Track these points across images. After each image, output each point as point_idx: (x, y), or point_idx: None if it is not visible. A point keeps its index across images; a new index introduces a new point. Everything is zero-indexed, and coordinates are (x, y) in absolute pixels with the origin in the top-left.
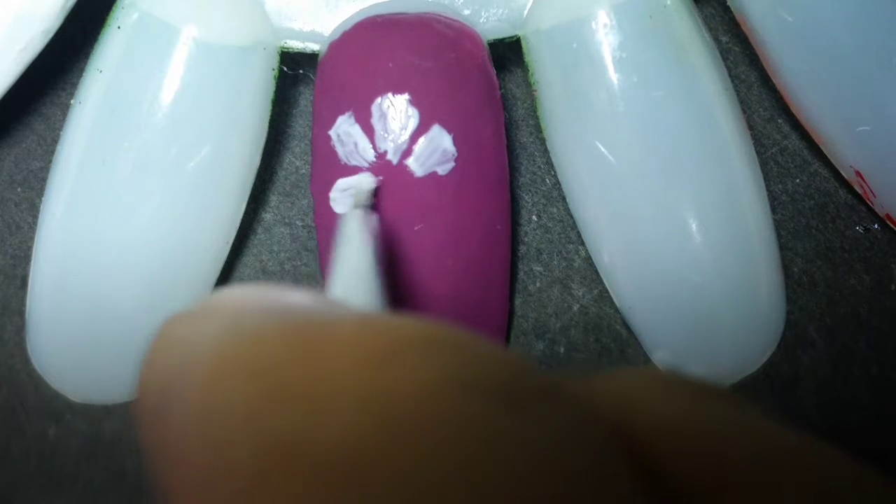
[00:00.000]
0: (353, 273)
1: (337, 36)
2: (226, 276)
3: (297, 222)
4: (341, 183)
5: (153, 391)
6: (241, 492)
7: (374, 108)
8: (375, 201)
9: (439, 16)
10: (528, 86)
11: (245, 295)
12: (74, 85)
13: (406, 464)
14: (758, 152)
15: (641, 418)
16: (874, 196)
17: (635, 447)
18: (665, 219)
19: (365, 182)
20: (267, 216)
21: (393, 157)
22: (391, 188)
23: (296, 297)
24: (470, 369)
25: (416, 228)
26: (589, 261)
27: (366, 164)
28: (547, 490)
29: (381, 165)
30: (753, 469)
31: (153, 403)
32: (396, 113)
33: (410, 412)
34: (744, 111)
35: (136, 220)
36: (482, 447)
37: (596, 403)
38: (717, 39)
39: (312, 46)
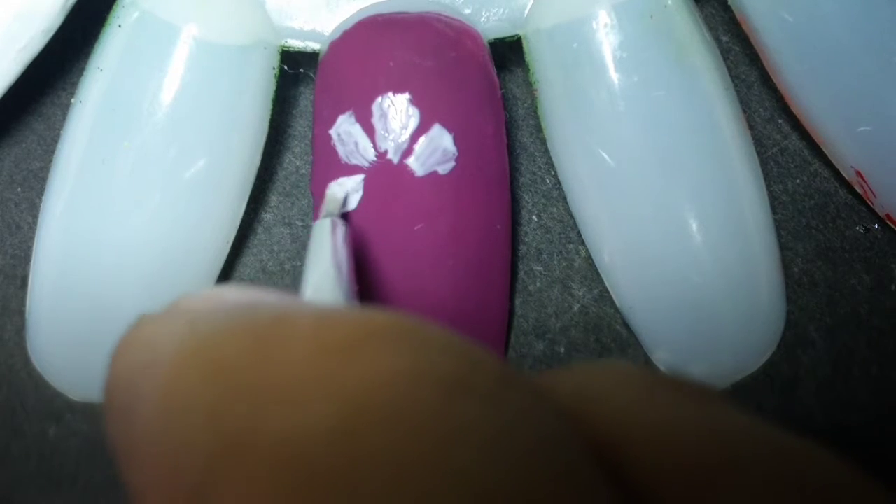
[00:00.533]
0: (321, 282)
1: (337, 35)
2: (226, 276)
3: (297, 222)
4: (341, 182)
5: (119, 390)
6: (196, 486)
7: (375, 108)
8: (346, 210)
9: (440, 15)
10: (529, 86)
11: (210, 296)
12: (75, 84)
13: (359, 452)
14: (758, 152)
15: (598, 408)
16: (874, 196)
17: (592, 436)
18: (665, 218)
19: (336, 191)
20: (267, 216)
21: (393, 157)
22: (391, 188)
23: (260, 296)
24: (425, 358)
25: (416, 228)
26: (589, 261)
27: (366, 164)
28: (503, 473)
29: (381, 165)
30: (706, 459)
31: (118, 402)
32: (397, 112)
33: (366, 402)
34: (744, 111)
35: (136, 220)
36: (439, 436)
37: (554, 394)
38: (717, 39)
39: (313, 46)
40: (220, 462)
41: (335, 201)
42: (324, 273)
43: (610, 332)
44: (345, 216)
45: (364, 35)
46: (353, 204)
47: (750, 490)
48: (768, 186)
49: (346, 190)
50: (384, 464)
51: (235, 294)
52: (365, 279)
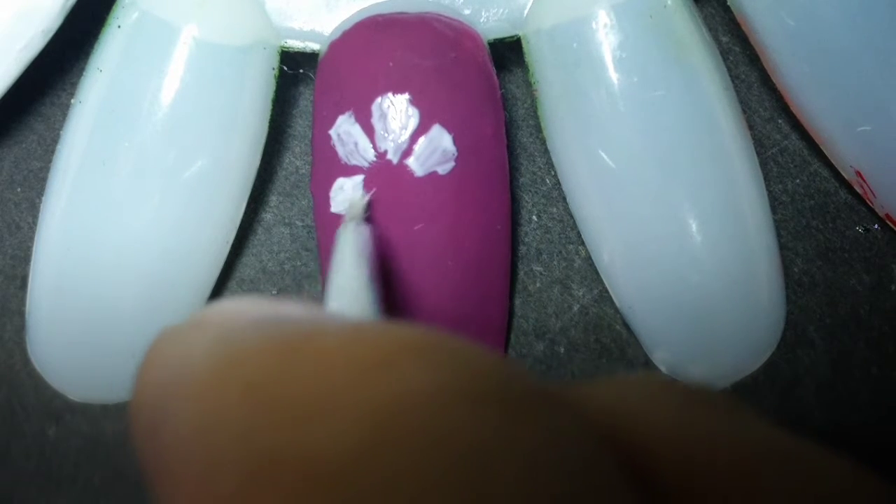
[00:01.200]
0: (347, 287)
1: (337, 35)
2: (226, 276)
3: (297, 222)
4: (341, 183)
5: (147, 406)
6: (230, 501)
7: (375, 108)
8: (370, 212)
9: (440, 15)
10: (528, 86)
11: (236, 308)
12: (74, 85)
13: (394, 471)
14: (758, 152)
15: (631, 424)
16: (874, 196)
17: (626, 453)
18: (665, 218)
19: (359, 196)
20: (267, 216)
21: (393, 157)
22: (391, 188)
23: (286, 309)
24: (460, 376)
25: (416, 228)
26: (589, 261)
27: (366, 164)
28: (538, 494)
29: (381, 165)
30: (743, 474)
31: (147, 418)
32: (397, 112)
33: (400, 419)
34: (744, 111)
35: (136, 220)
36: (471, 453)
37: (586, 409)
38: (717, 39)
39: (313, 46)
40: (254, 479)
41: (358, 206)
42: (348, 280)
43: (610, 332)
44: (368, 220)
45: (364, 35)
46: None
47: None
48: (768, 186)
49: (368, 195)
50: (417, 482)
51: (259, 307)
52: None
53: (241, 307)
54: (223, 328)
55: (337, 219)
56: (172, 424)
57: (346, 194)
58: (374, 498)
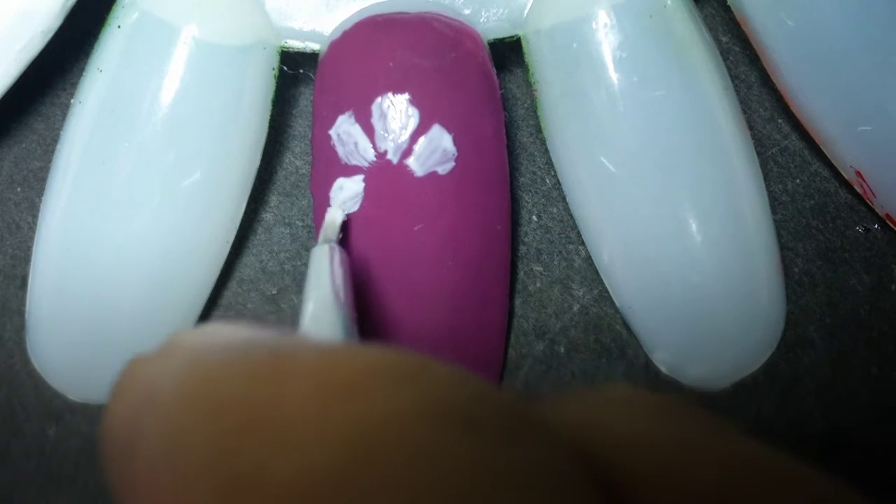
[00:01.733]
0: (320, 310)
1: (337, 35)
2: (226, 276)
3: (297, 222)
4: (341, 183)
5: (118, 430)
6: None
7: (375, 108)
8: (343, 236)
9: (439, 15)
10: (528, 86)
11: (207, 333)
12: (74, 85)
13: (363, 493)
14: (758, 152)
15: (603, 438)
16: (874, 196)
17: (596, 466)
18: (665, 218)
19: (335, 217)
20: (267, 216)
21: (393, 157)
22: (391, 188)
23: (258, 335)
24: (430, 395)
25: (415, 228)
26: (589, 261)
27: (366, 164)
28: None
29: (381, 165)
30: (712, 487)
31: (118, 441)
32: (397, 112)
33: (370, 440)
34: (744, 111)
35: (136, 220)
36: (444, 472)
37: (558, 424)
38: (717, 39)
39: (313, 46)
40: (225, 501)
41: (333, 227)
42: (322, 302)
43: (610, 332)
44: (346, 238)
45: (364, 35)
46: (354, 206)
47: None
48: (768, 186)
49: (346, 212)
50: (388, 503)
51: (230, 331)
52: (364, 286)
53: (212, 332)
54: (193, 353)
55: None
56: (143, 448)
57: (347, 194)
58: None
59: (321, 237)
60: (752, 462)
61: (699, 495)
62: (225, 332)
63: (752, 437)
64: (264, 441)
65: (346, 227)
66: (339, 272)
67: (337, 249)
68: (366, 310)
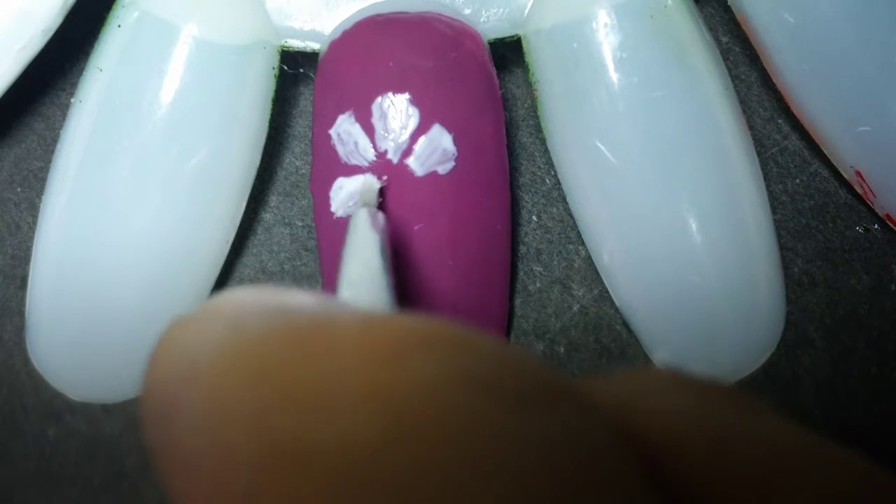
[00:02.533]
0: (362, 273)
1: (337, 35)
2: (226, 276)
3: (297, 222)
4: (341, 183)
5: (157, 395)
6: (243, 494)
7: (375, 108)
8: (382, 201)
9: (440, 15)
10: (529, 86)
11: (246, 297)
12: (74, 84)
13: (411, 464)
14: (758, 152)
15: (646, 417)
16: (874, 196)
17: (640, 446)
18: (665, 219)
19: (371, 182)
20: (267, 216)
21: (393, 157)
22: (391, 188)
23: (297, 298)
24: (474, 366)
25: (416, 228)
26: (589, 261)
27: (366, 164)
28: (553, 487)
29: (381, 165)
30: (760, 468)
31: (158, 407)
32: (397, 112)
33: (414, 411)
34: (744, 111)
35: (136, 220)
36: (488, 445)
37: (600, 401)
38: (717, 39)
39: (313, 45)
40: (267, 471)
41: (371, 192)
42: (363, 267)
43: (610, 332)
44: (381, 207)
45: (364, 35)
46: (355, 207)
47: (802, 501)
48: (768, 186)
49: (380, 181)
50: (431, 475)
51: (269, 296)
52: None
53: (251, 296)
54: (233, 317)
55: (337, 218)
56: (183, 414)
57: (347, 194)
58: (390, 492)
59: (360, 202)
60: (799, 447)
61: (747, 478)
62: (265, 296)
63: (794, 421)
64: (308, 410)
65: (381, 195)
66: (379, 236)
67: (378, 214)
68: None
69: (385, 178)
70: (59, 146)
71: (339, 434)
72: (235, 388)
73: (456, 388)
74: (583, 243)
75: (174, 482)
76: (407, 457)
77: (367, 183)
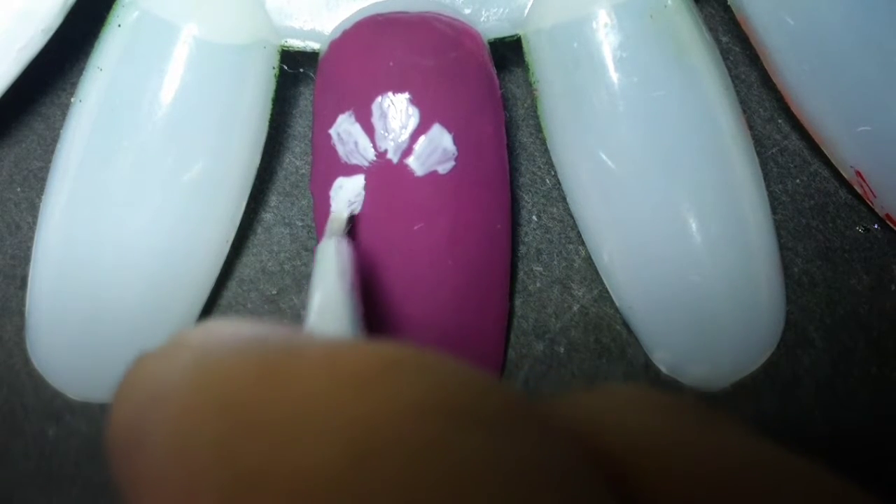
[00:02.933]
0: (327, 305)
1: (337, 35)
2: (226, 276)
3: (297, 222)
4: (341, 182)
5: (124, 427)
6: None
7: (375, 107)
8: (353, 225)
9: (440, 15)
10: (528, 86)
11: (214, 330)
12: (74, 84)
13: (375, 490)
14: (758, 152)
15: (611, 436)
16: (874, 196)
17: (606, 465)
18: (665, 218)
19: (341, 212)
20: (267, 216)
21: (393, 156)
22: (391, 187)
23: (265, 330)
24: (439, 391)
25: (415, 228)
26: (589, 261)
27: (366, 163)
28: None
29: (381, 164)
30: (724, 485)
31: (125, 439)
32: (397, 112)
33: (378, 435)
34: (744, 111)
35: (136, 220)
36: (454, 469)
37: (565, 421)
38: (717, 39)
39: (313, 45)
40: (234, 497)
41: (339, 222)
42: (329, 296)
43: (610, 333)
44: (350, 234)
45: (364, 34)
46: (356, 207)
47: None
48: (768, 186)
49: (351, 209)
50: (396, 500)
51: (235, 328)
52: (364, 284)
53: (217, 329)
54: (201, 350)
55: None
56: (150, 445)
57: (346, 194)
58: None
59: (327, 232)
60: (758, 460)
61: (705, 490)
62: (230, 329)
63: (760, 435)
64: (273, 437)
65: (350, 223)
66: (347, 267)
67: (344, 244)
68: (367, 308)
69: (352, 210)
70: (58, 146)
71: (306, 461)
72: (201, 415)
73: (421, 413)
74: (583, 243)
75: None
76: (371, 481)
77: (335, 213)
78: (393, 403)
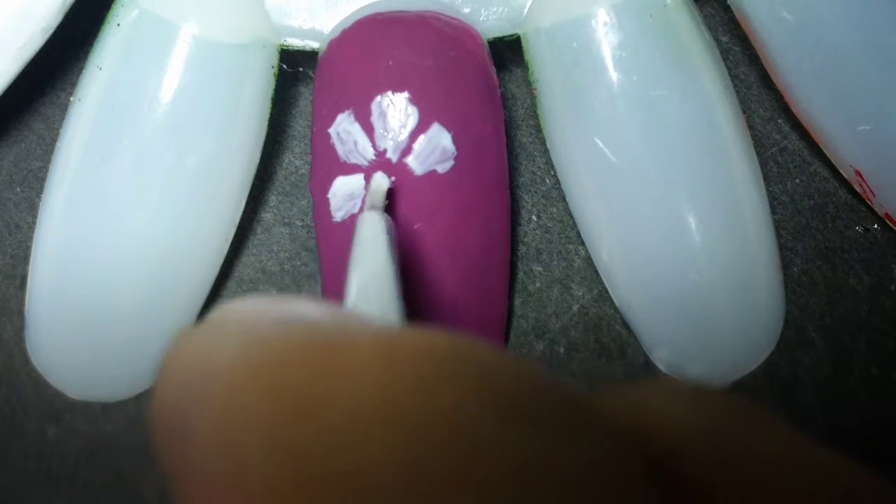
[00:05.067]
0: (371, 282)
1: (337, 34)
2: (226, 276)
3: (297, 222)
4: (341, 182)
5: (170, 409)
6: None
7: (374, 107)
8: (388, 202)
9: (439, 14)
10: (528, 85)
11: (255, 307)
12: (74, 84)
13: (433, 491)
14: (758, 152)
15: (664, 433)
16: (873, 195)
17: (656, 462)
18: (664, 218)
19: (380, 182)
20: (267, 216)
21: (392, 156)
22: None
23: (306, 308)
24: (495, 388)
25: (415, 227)
26: (589, 261)
27: (365, 163)
28: None
29: (380, 164)
30: (775, 483)
31: (170, 421)
32: (396, 111)
33: (438, 438)
34: (744, 111)
35: (135, 219)
36: (505, 467)
37: (618, 418)
38: (717, 39)
39: (312, 44)
40: (282, 489)
41: (379, 193)
42: (373, 273)
43: (609, 332)
44: (387, 208)
45: (363, 34)
46: (355, 207)
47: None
48: (768, 186)
49: (389, 181)
50: (453, 500)
51: (278, 306)
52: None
53: (260, 306)
54: (246, 329)
55: (337, 219)
56: (197, 427)
57: (346, 193)
58: None
59: (367, 203)
60: (811, 461)
61: (758, 492)
62: (276, 307)
63: (799, 431)
64: (325, 429)
65: (390, 194)
66: (387, 240)
67: (386, 217)
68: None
69: (393, 178)
70: (58, 145)
71: (358, 456)
72: (251, 402)
73: (481, 414)
74: (582, 243)
75: (188, 495)
76: (430, 480)
77: (375, 182)
78: (452, 400)
